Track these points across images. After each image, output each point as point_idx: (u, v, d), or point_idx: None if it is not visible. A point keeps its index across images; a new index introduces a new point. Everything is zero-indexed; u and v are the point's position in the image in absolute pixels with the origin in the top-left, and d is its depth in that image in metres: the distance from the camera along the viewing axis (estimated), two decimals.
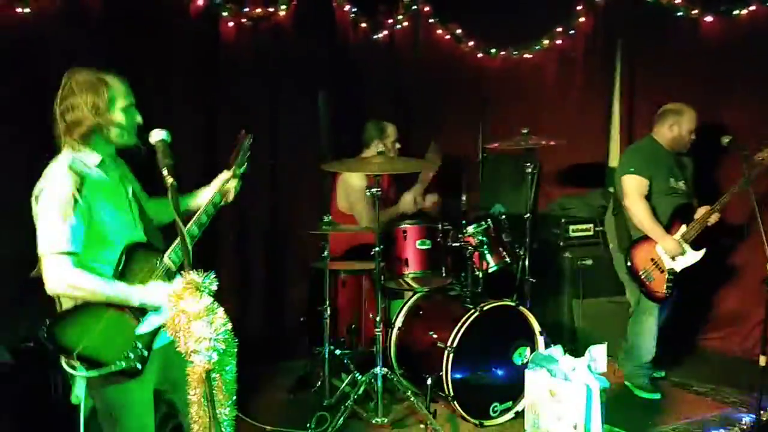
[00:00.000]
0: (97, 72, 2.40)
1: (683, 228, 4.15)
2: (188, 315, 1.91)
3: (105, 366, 2.28)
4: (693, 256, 4.19)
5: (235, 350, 2.10)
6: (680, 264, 4.17)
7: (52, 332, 2.24)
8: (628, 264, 4.14)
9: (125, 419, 2.43)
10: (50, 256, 2.24)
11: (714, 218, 4.18)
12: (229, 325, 2.00)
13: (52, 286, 2.25)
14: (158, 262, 2.45)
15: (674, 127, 4.24)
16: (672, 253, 4.12)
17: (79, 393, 2.34)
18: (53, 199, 2.26)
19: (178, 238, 2.36)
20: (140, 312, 2.38)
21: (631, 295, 4.35)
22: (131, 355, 2.34)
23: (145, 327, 2.38)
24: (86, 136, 2.37)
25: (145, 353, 2.39)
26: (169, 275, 2.46)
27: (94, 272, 2.31)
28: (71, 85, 2.37)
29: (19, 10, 3.97)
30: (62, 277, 2.23)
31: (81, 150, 2.39)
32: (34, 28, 4.02)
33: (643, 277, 4.12)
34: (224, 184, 2.78)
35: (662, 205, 4.18)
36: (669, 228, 4.16)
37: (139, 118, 2.48)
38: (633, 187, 4.15)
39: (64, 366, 2.29)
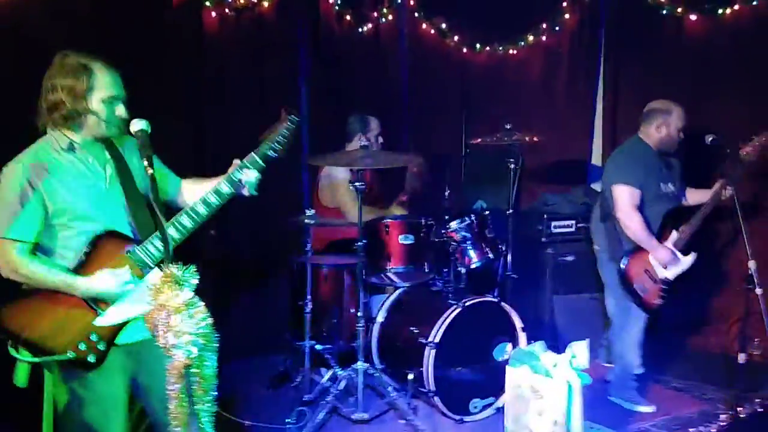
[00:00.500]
0: (85, 57, 2.37)
1: (674, 234, 4.04)
2: (168, 309, 1.87)
3: (51, 354, 2.29)
4: (685, 262, 4.07)
5: (215, 345, 2.06)
6: (673, 272, 4.05)
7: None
8: (623, 277, 4.00)
9: (87, 413, 2.40)
10: None
11: (727, 193, 3.97)
12: (210, 320, 1.97)
13: (2, 271, 2.31)
14: (131, 253, 2.40)
15: (662, 128, 4.07)
16: (666, 263, 4.00)
17: (22, 376, 2.33)
18: (4, 187, 2.29)
19: (157, 231, 2.32)
20: (98, 304, 2.34)
21: (615, 305, 4.22)
22: (82, 347, 2.31)
23: (103, 320, 2.35)
24: (64, 119, 2.34)
25: (102, 347, 2.35)
26: (144, 267, 2.41)
27: (48, 260, 2.33)
28: (57, 66, 2.35)
29: None
30: (6, 263, 2.29)
31: (57, 130, 2.37)
32: (14, 16, 3.92)
33: (637, 289, 3.98)
34: (237, 171, 2.56)
35: (653, 212, 4.05)
36: (660, 235, 4.03)
37: (122, 112, 2.41)
38: (625, 199, 3.96)
39: (9, 350, 2.29)
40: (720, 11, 4.93)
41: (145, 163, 2.10)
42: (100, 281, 2.31)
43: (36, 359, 2.28)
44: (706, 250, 4.98)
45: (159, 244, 2.38)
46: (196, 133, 4.71)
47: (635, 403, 4.11)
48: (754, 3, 4.76)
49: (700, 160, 4.68)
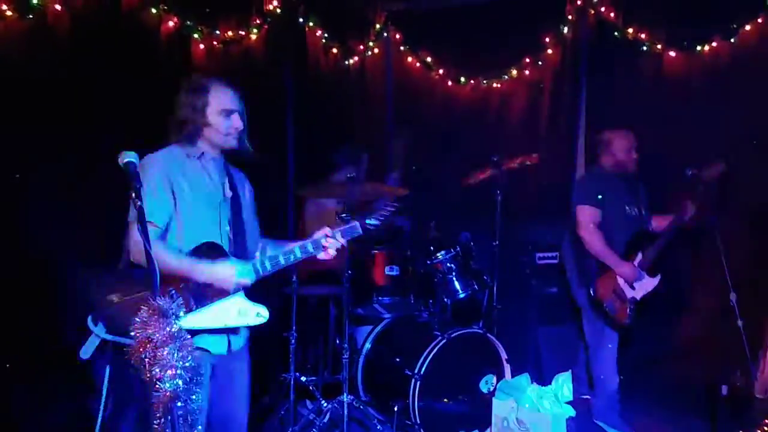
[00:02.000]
0: (205, 77, 2.72)
1: (639, 256, 4.16)
2: (154, 342, 1.87)
3: (120, 335, 2.31)
4: (650, 283, 4.18)
5: (202, 379, 2.06)
6: (640, 291, 4.15)
7: (95, 284, 2.41)
8: (592, 296, 4.11)
9: None
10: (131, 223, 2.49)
11: (691, 208, 4.12)
12: (197, 353, 1.96)
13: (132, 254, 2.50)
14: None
15: (608, 156, 4.30)
16: (629, 278, 4.10)
17: (87, 350, 2.35)
18: (146, 174, 2.42)
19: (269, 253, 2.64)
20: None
21: (589, 327, 4.30)
22: None
23: None
24: (190, 133, 2.61)
25: None
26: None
27: (170, 246, 2.50)
28: (183, 87, 2.70)
29: None
30: (136, 244, 2.43)
31: (184, 144, 2.66)
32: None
33: (607, 309, 4.08)
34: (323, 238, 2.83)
35: (618, 235, 4.17)
36: (626, 257, 4.14)
37: (238, 123, 2.68)
38: (586, 217, 4.15)
39: (88, 321, 2.36)
40: (698, 48, 5.04)
41: (132, 195, 2.11)
42: (223, 270, 2.45)
43: (107, 336, 2.32)
44: (683, 279, 5.04)
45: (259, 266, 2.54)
46: None
47: (619, 429, 4.11)
48: (732, 40, 4.88)
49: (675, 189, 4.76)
